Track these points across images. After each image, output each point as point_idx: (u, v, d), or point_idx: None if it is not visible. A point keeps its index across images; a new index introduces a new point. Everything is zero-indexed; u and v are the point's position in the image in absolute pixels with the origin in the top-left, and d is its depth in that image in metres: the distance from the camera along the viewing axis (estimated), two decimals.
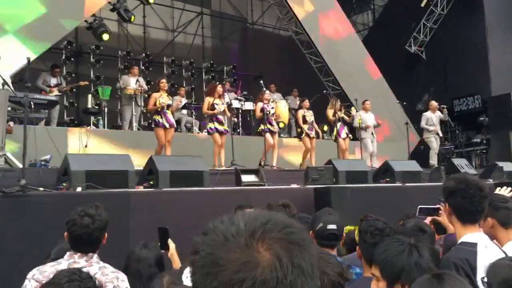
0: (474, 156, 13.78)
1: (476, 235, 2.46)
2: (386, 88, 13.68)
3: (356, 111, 10.67)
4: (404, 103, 11.36)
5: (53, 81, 10.01)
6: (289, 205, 3.38)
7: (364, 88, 12.96)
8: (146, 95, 10.72)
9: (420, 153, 13.17)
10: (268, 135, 8.94)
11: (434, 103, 11.38)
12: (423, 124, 11.30)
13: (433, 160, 11.15)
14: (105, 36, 11.09)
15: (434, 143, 11.29)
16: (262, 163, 8.79)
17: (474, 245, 2.38)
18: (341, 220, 3.16)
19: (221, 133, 8.52)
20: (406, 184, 7.54)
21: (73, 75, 11.77)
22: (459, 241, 2.45)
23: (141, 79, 10.83)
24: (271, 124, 9.06)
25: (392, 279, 1.94)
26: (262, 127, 9.07)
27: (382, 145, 12.19)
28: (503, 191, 3.16)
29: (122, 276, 2.63)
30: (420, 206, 3.28)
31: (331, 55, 13.63)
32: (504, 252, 2.48)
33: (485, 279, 1.96)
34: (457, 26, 13.96)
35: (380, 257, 2.00)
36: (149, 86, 11.20)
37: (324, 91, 11.32)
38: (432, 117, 11.21)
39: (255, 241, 0.74)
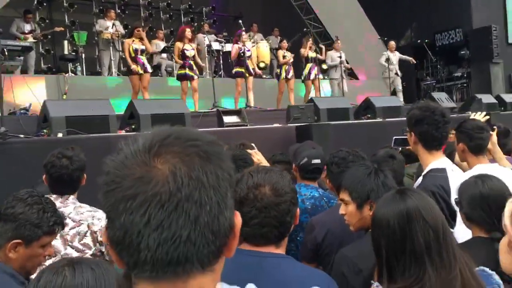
0: (455, 90, 13.92)
1: (442, 160, 2.57)
2: (368, 24, 13.51)
3: (325, 49, 10.49)
4: (385, 38, 11.27)
5: (27, 27, 9.68)
6: (244, 143, 3.42)
7: (346, 25, 12.79)
8: (124, 39, 10.46)
9: (402, 90, 13.27)
10: (239, 79, 8.81)
11: (392, 43, 11.26)
12: (382, 61, 11.15)
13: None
14: None
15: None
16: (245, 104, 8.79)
17: (443, 170, 2.49)
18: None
19: (191, 78, 8.41)
20: (387, 120, 7.65)
21: (47, 21, 11.39)
22: (428, 168, 2.54)
23: (117, 23, 10.52)
24: (246, 68, 8.89)
25: (362, 200, 2.04)
26: (236, 69, 8.96)
27: (367, 82, 12.24)
28: (478, 116, 3.25)
29: (99, 214, 2.63)
30: (395, 137, 3.38)
31: None
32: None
33: (457, 199, 2.07)
34: None
35: (348, 181, 2.08)
36: (126, 30, 10.90)
37: (305, 29, 11.15)
38: (391, 57, 11.10)
39: (152, 156, 0.73)
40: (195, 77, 8.51)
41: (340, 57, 10.55)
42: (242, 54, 8.87)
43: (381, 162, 2.77)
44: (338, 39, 10.88)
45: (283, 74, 9.59)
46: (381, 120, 7.65)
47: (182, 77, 8.41)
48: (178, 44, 8.46)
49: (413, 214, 1.51)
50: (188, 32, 8.52)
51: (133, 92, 8.20)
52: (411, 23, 14.51)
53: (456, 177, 2.41)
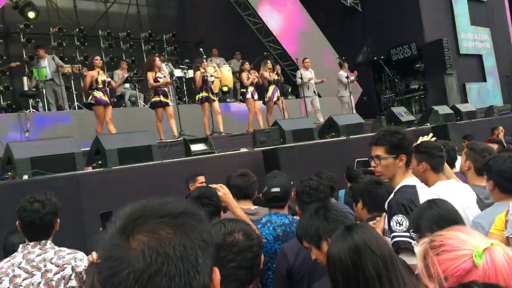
0: (414, 102, 14.39)
1: (412, 179, 2.73)
2: (326, 44, 13.89)
3: (276, 71, 10.68)
4: (343, 57, 11.61)
5: None
6: (247, 173, 3.51)
7: (305, 46, 13.11)
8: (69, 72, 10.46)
9: (362, 105, 13.65)
10: (206, 104, 8.93)
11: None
12: (343, 80, 11.34)
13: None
14: (31, 14, 10.55)
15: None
16: (210, 132, 8.85)
17: (413, 186, 2.65)
18: (289, 180, 3.34)
19: (166, 105, 8.48)
20: (351, 137, 7.85)
21: (4, 57, 11.22)
22: (401, 185, 2.70)
23: (55, 57, 10.34)
24: (211, 92, 9.01)
25: (315, 241, 2.19)
26: (200, 95, 9.04)
27: (327, 100, 12.51)
28: (426, 138, 3.45)
29: (80, 255, 2.68)
30: (357, 160, 3.51)
31: (268, 14, 13.62)
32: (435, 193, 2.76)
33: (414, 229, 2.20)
34: None
35: (299, 230, 2.27)
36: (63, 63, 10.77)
37: (265, 53, 11.38)
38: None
39: (126, 237, 0.83)
40: (170, 103, 8.58)
41: (308, 76, 10.86)
42: (205, 79, 8.97)
43: (369, 190, 2.91)
44: (306, 58, 11.17)
45: (249, 94, 9.74)
46: (345, 138, 7.85)
47: (157, 105, 8.45)
48: (150, 74, 8.52)
49: (361, 247, 1.64)
50: (158, 61, 8.63)
51: (98, 123, 8.16)
52: (366, 40, 15.00)
53: (424, 194, 2.58)
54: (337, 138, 7.89)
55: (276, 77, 10.07)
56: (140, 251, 0.81)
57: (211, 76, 9.39)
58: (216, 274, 0.88)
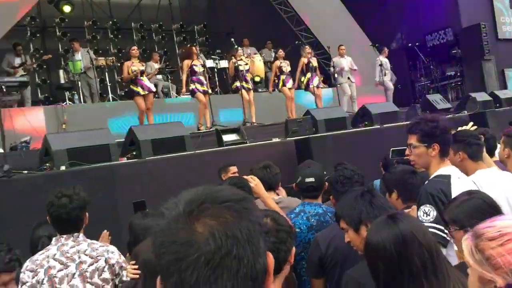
0: (450, 89, 14.00)
1: (449, 168, 2.65)
2: (359, 31, 13.64)
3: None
4: (377, 44, 11.37)
5: (17, 60, 9.78)
6: (269, 165, 3.51)
7: (337, 34, 12.90)
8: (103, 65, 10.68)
9: (397, 92, 13.36)
10: (243, 92, 8.98)
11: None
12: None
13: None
14: (67, 8, 10.79)
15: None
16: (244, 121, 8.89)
17: (447, 176, 2.58)
18: (323, 169, 3.32)
19: (203, 93, 8.56)
20: (384, 126, 7.70)
21: (41, 51, 11.50)
22: (435, 174, 2.63)
23: (90, 51, 10.58)
24: (246, 81, 9.08)
25: (355, 223, 2.12)
26: (236, 84, 9.10)
27: (362, 88, 12.32)
28: (468, 127, 3.34)
29: (112, 248, 2.73)
30: (392, 148, 3.43)
31: (300, 2, 13.46)
32: (475, 183, 2.67)
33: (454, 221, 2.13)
34: None
35: (340, 209, 2.21)
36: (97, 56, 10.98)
37: (296, 42, 11.26)
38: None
39: (192, 221, 0.83)
40: (204, 91, 8.67)
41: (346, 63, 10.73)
42: (238, 68, 9.03)
43: (404, 179, 2.86)
44: (341, 45, 11.02)
45: (281, 83, 9.70)
46: (378, 126, 7.71)
47: (193, 92, 8.58)
48: (187, 62, 8.63)
49: (408, 237, 1.59)
50: (195, 49, 8.72)
51: (140, 113, 8.33)
52: (401, 27, 14.64)
53: (461, 185, 2.50)
54: (371, 127, 7.76)
55: (313, 64, 9.97)
56: (209, 234, 0.82)
57: (246, 64, 9.41)
58: (270, 258, 0.90)
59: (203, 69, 8.73)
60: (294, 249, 1.75)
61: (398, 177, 3.03)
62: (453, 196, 2.47)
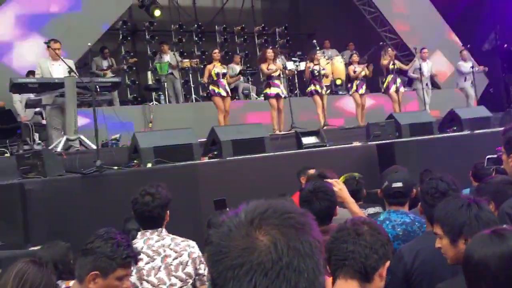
0: None
1: None
2: (447, 32, 12.97)
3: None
4: (468, 45, 10.73)
5: (105, 63, 10.42)
6: (325, 175, 3.39)
7: (425, 34, 12.36)
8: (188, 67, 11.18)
9: (489, 96, 12.55)
10: (315, 96, 8.86)
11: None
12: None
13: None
14: (157, 12, 11.29)
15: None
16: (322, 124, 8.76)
17: None
18: (411, 175, 3.15)
19: (278, 97, 8.55)
20: (475, 132, 7.25)
21: (131, 53, 12.14)
22: None
23: (176, 53, 11.03)
24: (319, 85, 8.93)
25: (454, 235, 1.95)
26: (309, 88, 9.01)
27: (446, 92, 11.70)
28: None
29: (192, 243, 2.82)
30: (488, 156, 3.20)
31: (385, 2, 13.05)
32: None
33: None
34: None
35: (440, 214, 2.01)
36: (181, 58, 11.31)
37: (381, 43, 10.93)
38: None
39: (254, 229, 0.82)
40: (282, 95, 8.68)
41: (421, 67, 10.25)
42: (316, 73, 8.91)
43: (501, 191, 2.64)
44: (423, 48, 10.57)
45: (354, 88, 9.51)
46: (468, 132, 7.27)
47: (268, 96, 8.63)
48: (264, 65, 8.67)
49: None
50: (269, 53, 8.72)
51: (219, 113, 8.51)
52: (494, 26, 13.72)
53: None
54: (460, 133, 7.34)
55: (396, 66, 9.63)
56: (271, 243, 0.80)
57: (323, 69, 9.27)
58: (328, 281, 0.89)
59: (278, 73, 8.71)
60: (388, 262, 1.66)
61: (496, 188, 2.78)
62: None
